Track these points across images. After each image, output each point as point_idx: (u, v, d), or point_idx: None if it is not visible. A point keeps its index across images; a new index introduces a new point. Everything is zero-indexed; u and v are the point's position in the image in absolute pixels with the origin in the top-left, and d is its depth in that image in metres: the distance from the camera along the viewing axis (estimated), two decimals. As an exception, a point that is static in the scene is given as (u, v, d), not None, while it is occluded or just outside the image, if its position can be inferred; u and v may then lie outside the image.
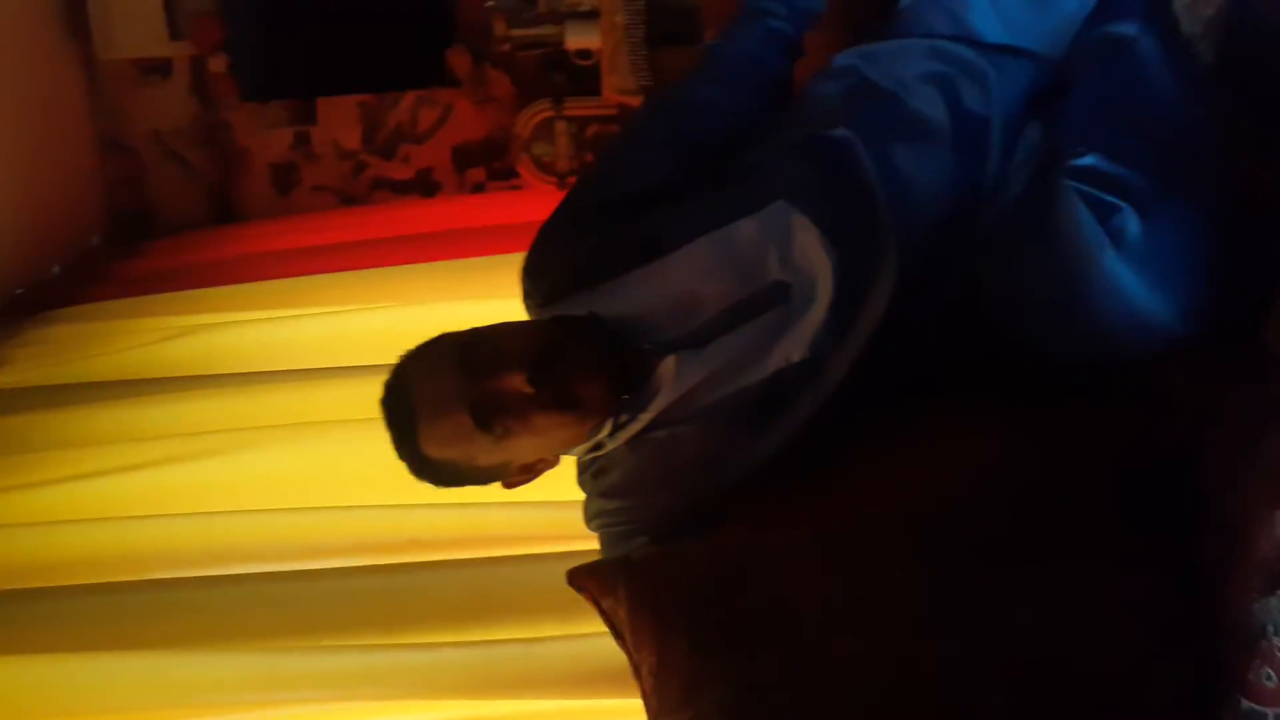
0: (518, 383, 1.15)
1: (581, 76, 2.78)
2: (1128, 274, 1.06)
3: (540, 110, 2.82)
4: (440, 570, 1.49)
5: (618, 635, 1.09)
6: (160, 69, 3.02)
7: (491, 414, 1.16)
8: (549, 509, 1.53)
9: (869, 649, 0.91)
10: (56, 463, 1.77)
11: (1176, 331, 1.07)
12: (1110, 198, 1.06)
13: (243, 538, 1.58)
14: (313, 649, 1.36)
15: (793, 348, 1.19)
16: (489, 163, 3.02)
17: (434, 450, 1.20)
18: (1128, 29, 1.18)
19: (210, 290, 2.38)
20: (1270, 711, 0.80)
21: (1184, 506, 0.96)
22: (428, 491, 1.27)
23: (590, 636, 1.21)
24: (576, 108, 2.79)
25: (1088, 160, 1.08)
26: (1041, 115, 1.22)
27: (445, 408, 1.17)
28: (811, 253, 1.19)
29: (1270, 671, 0.80)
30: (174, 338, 2.17)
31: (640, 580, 1.08)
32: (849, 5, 1.46)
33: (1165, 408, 1.02)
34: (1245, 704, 0.81)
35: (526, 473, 1.27)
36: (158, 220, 3.09)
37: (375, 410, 1.24)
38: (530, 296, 1.34)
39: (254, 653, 1.36)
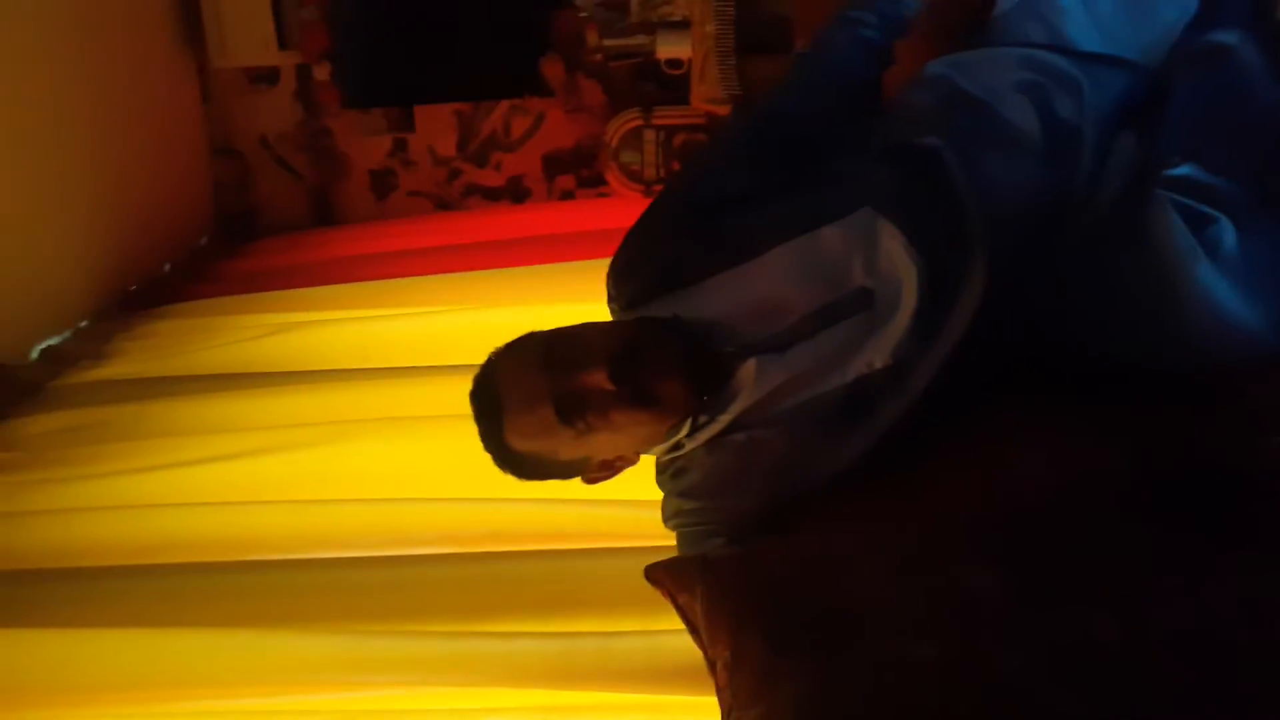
0: (599, 379, 1.18)
1: (671, 86, 2.80)
2: (1222, 285, 1.03)
3: (629, 119, 2.85)
4: (522, 561, 1.52)
5: (693, 631, 1.10)
6: (268, 77, 3.14)
7: (573, 409, 1.18)
8: (629, 507, 1.55)
9: (947, 652, 0.90)
10: (163, 449, 1.85)
11: (1270, 344, 1.04)
12: (1206, 208, 1.04)
13: (334, 525, 1.63)
14: (397, 633, 1.39)
15: (875, 355, 1.19)
16: (578, 170, 3.06)
17: (518, 443, 1.23)
18: (1229, 37, 1.15)
19: (309, 290, 2.47)
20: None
21: (1269, 522, 0.93)
22: (511, 486, 1.30)
23: (667, 633, 1.22)
24: (665, 117, 2.81)
25: (1184, 170, 1.06)
26: (1136, 125, 1.19)
27: (530, 402, 1.20)
28: (897, 260, 1.19)
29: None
30: (274, 334, 2.26)
31: (717, 577, 1.09)
32: (942, 14, 1.45)
33: (1260, 422, 1.00)
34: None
35: (606, 469, 1.29)
36: (262, 222, 3.21)
37: (463, 407, 1.28)
38: (615, 300, 1.36)
39: (341, 634, 1.40)
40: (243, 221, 3.20)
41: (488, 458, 1.27)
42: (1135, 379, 1.09)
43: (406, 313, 2.24)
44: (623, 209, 2.50)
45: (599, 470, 1.29)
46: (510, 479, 1.28)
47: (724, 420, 1.24)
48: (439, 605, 1.45)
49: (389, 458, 1.75)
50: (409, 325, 2.19)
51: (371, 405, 1.87)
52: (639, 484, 1.34)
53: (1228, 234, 1.03)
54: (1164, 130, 1.14)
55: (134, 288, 2.67)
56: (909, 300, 1.18)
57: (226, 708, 1.45)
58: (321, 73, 3.08)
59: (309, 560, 1.59)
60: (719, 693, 1.04)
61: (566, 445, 1.22)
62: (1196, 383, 1.06)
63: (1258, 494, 0.95)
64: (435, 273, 2.44)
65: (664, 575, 1.14)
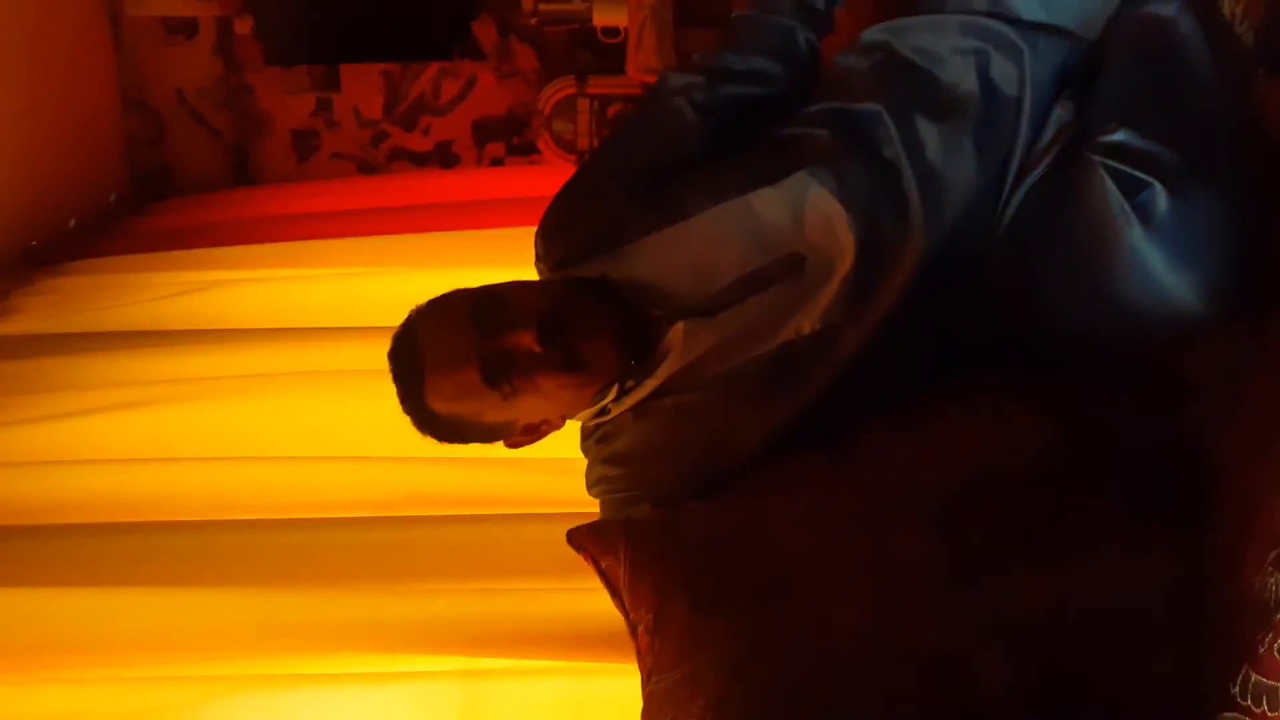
0: (527, 341, 1.15)
1: (607, 54, 2.76)
2: (1153, 252, 1.03)
3: (563, 87, 2.80)
4: (440, 525, 1.47)
5: (615, 595, 1.08)
6: (186, 28, 3.02)
7: (499, 371, 1.15)
8: (551, 471, 1.52)
9: (872, 617, 0.91)
10: (61, 400, 1.77)
11: (1199, 313, 1.05)
12: (1139, 174, 1.04)
13: (243, 485, 1.57)
14: (311, 595, 1.34)
15: (804, 320, 1.18)
16: (509, 137, 3.01)
17: (440, 405, 1.20)
18: (1167, 9, 1.15)
19: (223, 249, 2.37)
20: (1280, 685, 0.78)
21: (1200, 488, 0.94)
22: (430, 446, 1.26)
23: (587, 590, 1.19)
24: (600, 86, 2.76)
25: (1118, 136, 1.06)
26: (1072, 96, 1.19)
27: (454, 363, 1.17)
28: (831, 226, 1.18)
29: (1283, 645, 0.79)
30: (184, 293, 2.17)
31: (642, 540, 1.08)
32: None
33: (1187, 391, 1.01)
34: (1255, 677, 0.80)
35: (530, 433, 1.27)
36: (176, 180, 3.10)
37: (381, 363, 1.24)
38: (542, 259, 1.33)
39: (248, 596, 1.34)
40: (157, 179, 3.08)
41: (406, 417, 1.23)
42: (1072, 354, 1.10)
43: (324, 274, 2.17)
44: (554, 177, 2.45)
45: (523, 434, 1.27)
46: (429, 440, 1.24)
47: (651, 385, 1.23)
48: (352, 571, 1.41)
49: (302, 413, 1.69)
50: (327, 287, 2.13)
51: (284, 362, 1.80)
52: (563, 446, 1.31)
53: (1161, 200, 1.02)
54: (1100, 98, 1.14)
55: (35, 243, 2.55)
56: (841, 267, 1.17)
57: (132, 674, 1.38)
58: (243, 26, 2.97)
59: (217, 522, 1.53)
60: (639, 657, 1.03)
61: (491, 408, 1.19)
62: (1135, 357, 1.06)
63: (1192, 464, 0.96)
64: (357, 235, 2.36)
65: (587, 538, 1.12)
